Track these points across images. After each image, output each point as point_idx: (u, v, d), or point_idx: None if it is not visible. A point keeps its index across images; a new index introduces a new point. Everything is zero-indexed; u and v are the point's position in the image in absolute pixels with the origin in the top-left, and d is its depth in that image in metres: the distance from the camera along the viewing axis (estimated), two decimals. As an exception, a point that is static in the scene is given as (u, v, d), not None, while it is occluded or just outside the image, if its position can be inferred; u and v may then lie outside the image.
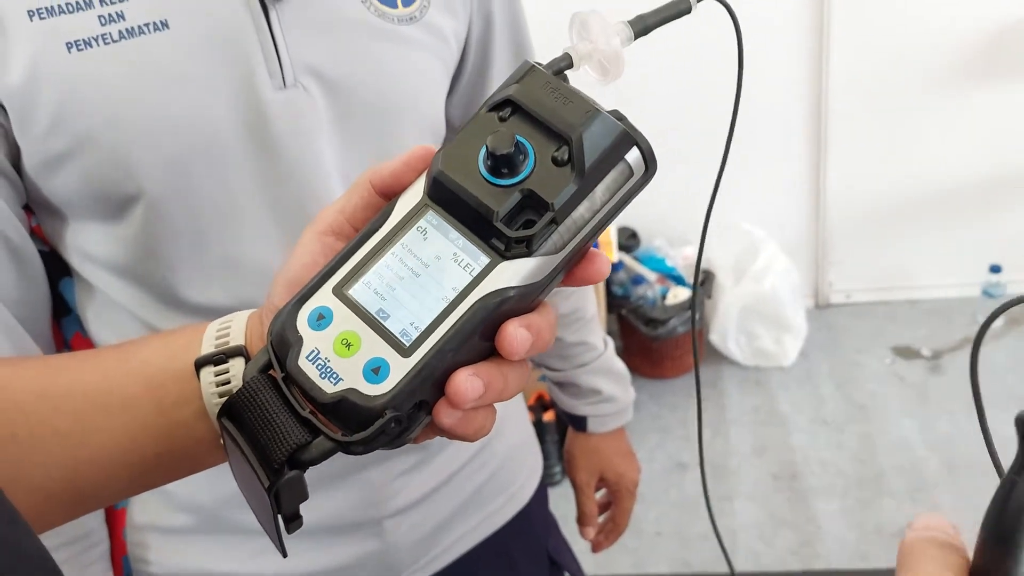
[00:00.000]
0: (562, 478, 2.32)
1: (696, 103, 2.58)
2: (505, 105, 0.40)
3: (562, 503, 1.19)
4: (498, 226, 0.38)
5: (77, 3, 0.62)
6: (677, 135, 2.58)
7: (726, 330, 2.79)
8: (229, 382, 0.42)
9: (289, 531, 0.40)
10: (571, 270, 0.40)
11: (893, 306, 3.06)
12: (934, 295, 3.05)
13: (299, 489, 0.38)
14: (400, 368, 0.37)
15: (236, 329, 0.44)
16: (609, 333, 1.88)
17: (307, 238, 0.43)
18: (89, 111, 0.63)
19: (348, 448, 0.38)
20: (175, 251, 0.69)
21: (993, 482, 0.34)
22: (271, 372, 0.39)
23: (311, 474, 0.39)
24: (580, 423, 1.08)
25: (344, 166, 0.72)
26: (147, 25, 0.63)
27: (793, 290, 2.80)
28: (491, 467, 0.91)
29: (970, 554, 0.34)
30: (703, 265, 2.84)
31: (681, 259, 2.92)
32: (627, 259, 2.89)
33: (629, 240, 2.96)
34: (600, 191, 0.39)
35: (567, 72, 0.43)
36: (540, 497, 0.99)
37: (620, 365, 1.09)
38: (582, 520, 1.13)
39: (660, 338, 2.71)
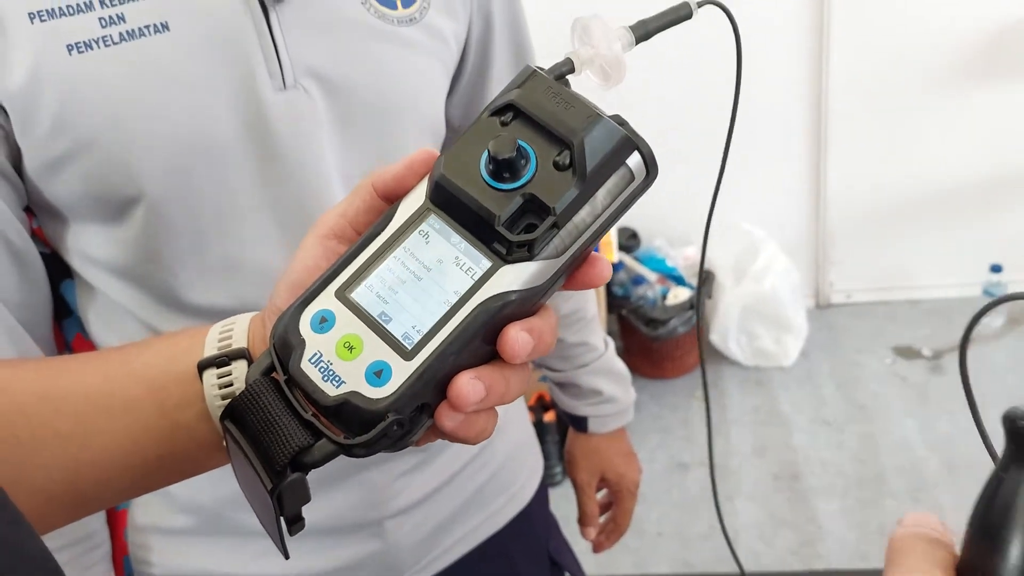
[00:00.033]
0: (563, 478, 2.32)
1: (696, 103, 2.58)
2: (507, 109, 0.40)
3: (563, 503, 1.20)
4: (500, 230, 0.38)
5: (78, 5, 0.62)
6: (677, 135, 2.58)
7: (727, 330, 2.79)
8: (232, 384, 0.42)
9: (291, 533, 0.40)
10: (572, 274, 0.40)
11: (894, 306, 3.05)
12: (935, 295, 3.04)
13: (301, 491, 0.39)
14: (402, 371, 0.38)
15: (239, 332, 0.44)
16: (609, 333, 1.88)
17: (309, 241, 0.43)
18: (90, 113, 0.63)
19: (350, 451, 0.38)
20: (176, 253, 0.69)
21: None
22: (274, 375, 0.40)
23: (312, 475, 0.39)
24: (581, 424, 1.08)
25: (344, 167, 0.72)
26: (147, 27, 0.63)
27: (793, 290, 2.80)
28: (492, 467, 0.91)
29: (958, 550, 0.35)
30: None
31: (681, 259, 2.92)
32: (627, 259, 2.89)
33: (629, 240, 2.96)
34: (601, 195, 0.39)
35: (569, 77, 0.43)
36: (541, 497, 0.99)
37: (621, 366, 1.09)
38: (583, 520, 1.14)
39: (660, 338, 2.70)
